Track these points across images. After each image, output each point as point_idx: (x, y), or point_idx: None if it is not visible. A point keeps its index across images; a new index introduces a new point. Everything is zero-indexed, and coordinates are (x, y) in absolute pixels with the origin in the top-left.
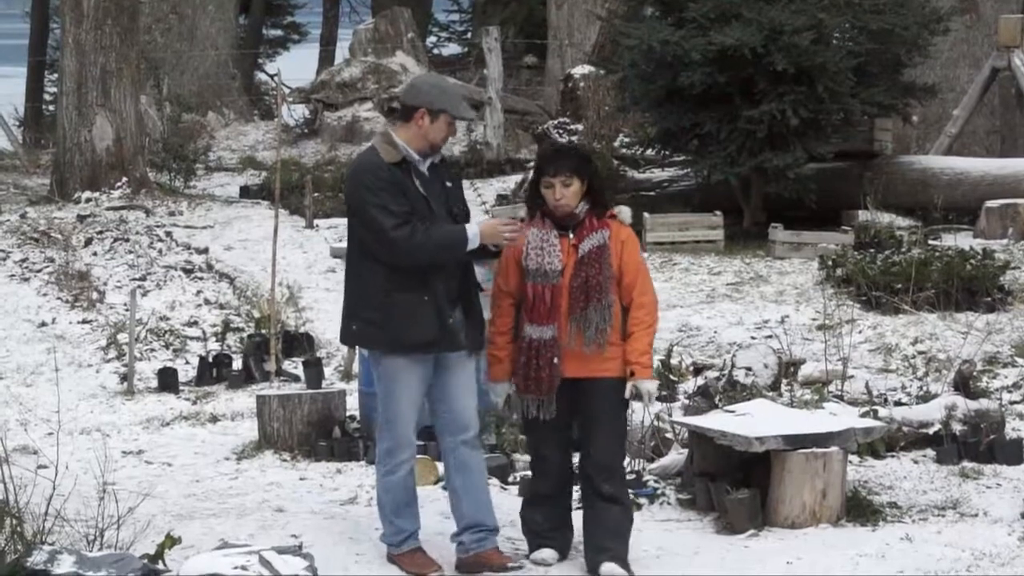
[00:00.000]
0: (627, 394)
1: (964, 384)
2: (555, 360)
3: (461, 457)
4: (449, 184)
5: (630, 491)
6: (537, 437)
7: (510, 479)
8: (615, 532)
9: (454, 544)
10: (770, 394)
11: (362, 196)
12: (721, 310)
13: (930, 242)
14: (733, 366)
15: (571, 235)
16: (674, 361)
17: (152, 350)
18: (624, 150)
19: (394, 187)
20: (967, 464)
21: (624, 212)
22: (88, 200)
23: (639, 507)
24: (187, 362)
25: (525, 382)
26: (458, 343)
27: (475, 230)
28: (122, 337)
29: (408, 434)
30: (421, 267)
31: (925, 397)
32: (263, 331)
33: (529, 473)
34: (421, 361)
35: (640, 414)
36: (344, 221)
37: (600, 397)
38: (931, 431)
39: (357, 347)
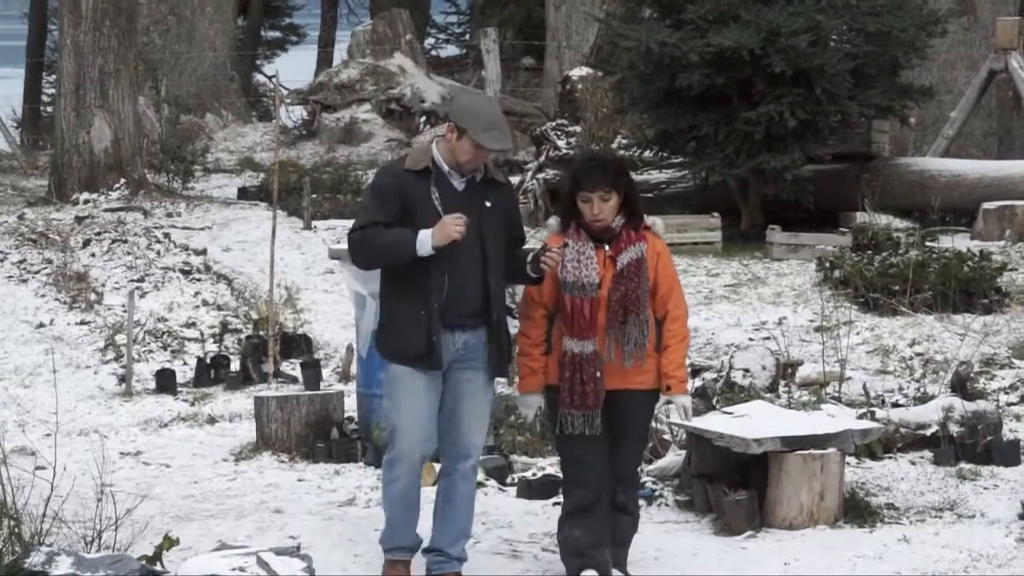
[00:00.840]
0: (658, 407)
1: (961, 385)
2: (598, 374)
3: (451, 484)
4: (488, 204)
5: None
6: (576, 449)
7: (508, 480)
8: (620, 542)
9: (424, 557)
10: (768, 395)
11: (364, 192)
12: (719, 311)
13: (927, 244)
14: (731, 367)
15: (607, 247)
16: None
17: (150, 351)
18: (622, 152)
19: (393, 193)
20: (964, 465)
21: (659, 224)
22: (86, 201)
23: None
24: (185, 363)
25: (571, 397)
26: (439, 362)
27: (426, 234)
28: (120, 338)
29: (408, 449)
30: (417, 283)
31: (922, 398)
32: (261, 332)
33: (527, 475)
34: (426, 374)
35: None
36: (342, 222)
37: (632, 409)
38: (928, 432)
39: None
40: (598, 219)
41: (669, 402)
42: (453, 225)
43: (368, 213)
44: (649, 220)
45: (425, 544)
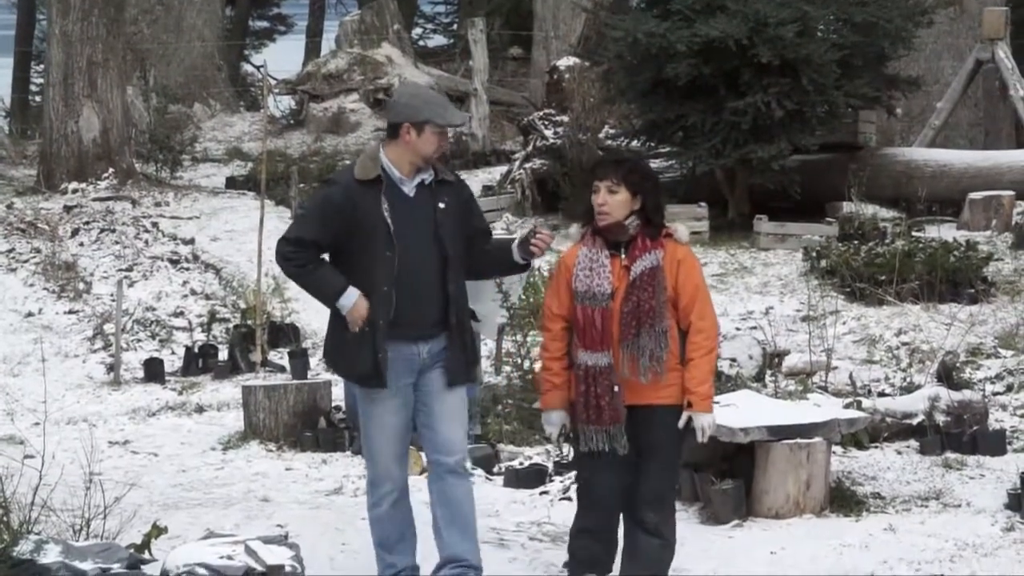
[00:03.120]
0: (680, 424)
1: (947, 375)
2: (615, 388)
3: (445, 488)
4: (443, 205)
5: None
6: (592, 467)
7: (495, 470)
8: (650, 566)
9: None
10: (754, 385)
11: (308, 200)
12: None
13: (914, 234)
14: (718, 357)
15: (623, 255)
16: None
17: (138, 340)
18: (609, 142)
19: (339, 212)
20: (950, 455)
21: (681, 231)
22: (75, 191)
23: None
24: (173, 352)
25: (586, 412)
26: (383, 381)
27: (351, 299)
28: (108, 327)
29: (388, 465)
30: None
31: (908, 388)
32: (249, 322)
33: (514, 464)
34: (396, 390)
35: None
36: None
37: (657, 426)
38: (914, 422)
39: None
40: (602, 211)
41: (691, 419)
42: (359, 313)
43: (305, 225)
44: (671, 227)
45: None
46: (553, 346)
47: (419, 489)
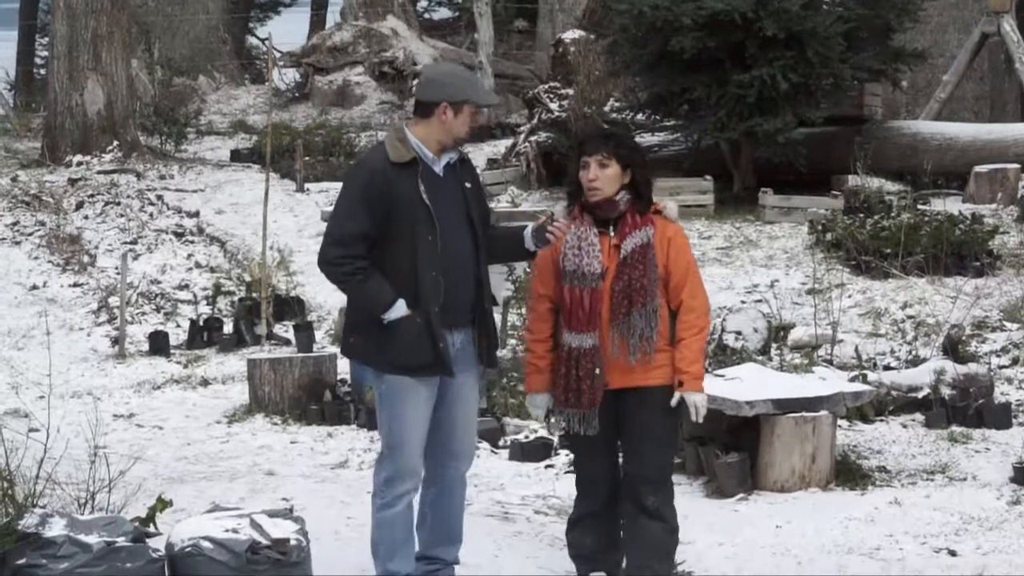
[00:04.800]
0: (673, 403)
1: (953, 348)
2: (596, 371)
3: (443, 491)
4: (468, 185)
5: None
6: (582, 453)
7: (500, 443)
8: (656, 550)
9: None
10: (760, 358)
11: (343, 189)
12: (711, 274)
13: (919, 207)
14: (723, 330)
15: (612, 233)
16: None
17: (143, 314)
18: (614, 115)
19: (379, 197)
20: (956, 428)
21: (671, 208)
22: (79, 164)
23: None
24: (178, 325)
25: (565, 394)
26: (449, 369)
27: (398, 313)
28: (113, 300)
29: (414, 463)
30: (408, 285)
31: (914, 361)
32: (254, 295)
33: (519, 437)
34: (427, 382)
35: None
36: (334, 185)
37: (648, 407)
38: (920, 395)
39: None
40: (593, 185)
41: (683, 399)
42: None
43: (351, 220)
44: (660, 204)
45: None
46: (537, 327)
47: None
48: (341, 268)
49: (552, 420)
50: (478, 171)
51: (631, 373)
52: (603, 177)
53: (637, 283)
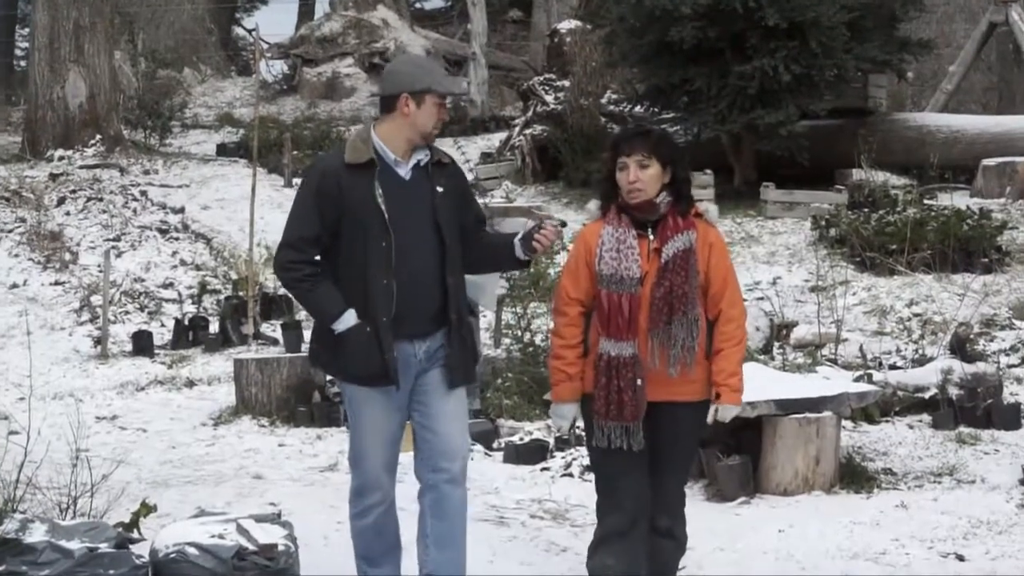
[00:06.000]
0: (709, 419)
1: (961, 347)
2: (638, 381)
3: (440, 496)
4: (440, 190)
5: None
6: (614, 468)
7: (494, 445)
8: (663, 568)
9: None
10: (762, 357)
11: (297, 191)
12: None
13: (926, 201)
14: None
15: (652, 236)
16: None
17: (126, 312)
18: (612, 107)
19: (330, 198)
20: (964, 429)
21: (711, 210)
22: (61, 158)
23: None
24: (162, 325)
25: (607, 407)
26: (394, 380)
27: (347, 324)
28: (96, 299)
29: (377, 473)
30: (357, 292)
31: (921, 361)
32: (240, 293)
33: (514, 439)
34: (386, 392)
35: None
36: None
37: (680, 423)
38: (927, 395)
39: None
40: (634, 187)
41: (718, 410)
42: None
43: (302, 223)
44: (701, 206)
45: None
46: (567, 332)
47: (405, 471)
48: (290, 273)
49: (573, 431)
50: (465, 172)
51: (669, 386)
52: (644, 178)
53: (679, 290)
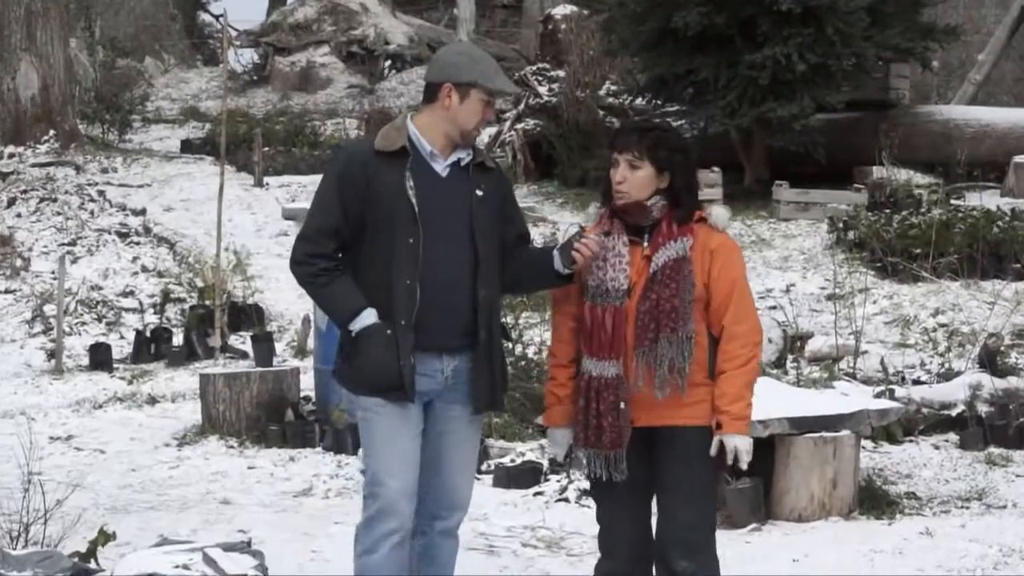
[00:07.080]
0: (712, 451)
1: (991, 360)
2: (621, 405)
3: (431, 544)
4: (480, 194)
5: None
6: (605, 503)
7: (484, 467)
8: None
9: None
10: (774, 372)
11: (321, 179)
12: None
13: (952, 202)
14: (760, 369)
15: (645, 244)
16: None
17: (83, 323)
18: (611, 99)
19: (354, 185)
20: (994, 450)
21: (719, 215)
22: (11, 156)
23: None
24: (122, 337)
25: (585, 432)
26: (409, 393)
27: (365, 323)
28: (49, 309)
29: (395, 497)
30: (379, 292)
31: (947, 375)
32: (207, 302)
33: (504, 461)
34: (404, 408)
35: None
36: (297, 179)
37: (680, 452)
38: (954, 413)
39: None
40: (620, 189)
41: (722, 443)
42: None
43: (321, 213)
44: (707, 210)
45: None
46: (559, 350)
47: None
48: (304, 268)
49: (568, 459)
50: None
51: (661, 410)
52: (632, 179)
53: (666, 304)
